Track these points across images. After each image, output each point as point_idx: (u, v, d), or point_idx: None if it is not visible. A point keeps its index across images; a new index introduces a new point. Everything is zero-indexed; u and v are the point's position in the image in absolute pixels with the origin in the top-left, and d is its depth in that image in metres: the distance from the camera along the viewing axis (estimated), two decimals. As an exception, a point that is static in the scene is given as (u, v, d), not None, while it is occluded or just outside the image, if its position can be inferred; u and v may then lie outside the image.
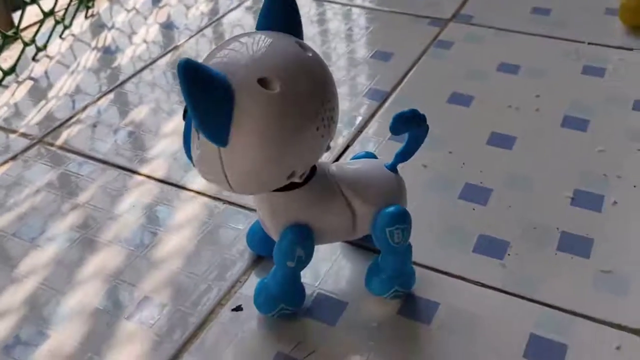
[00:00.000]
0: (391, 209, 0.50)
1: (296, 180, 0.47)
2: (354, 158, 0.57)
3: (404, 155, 0.52)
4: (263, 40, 0.44)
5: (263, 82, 0.42)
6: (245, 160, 0.43)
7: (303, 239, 0.49)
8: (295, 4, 0.47)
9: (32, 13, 0.98)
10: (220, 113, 0.41)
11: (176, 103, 0.82)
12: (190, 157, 0.47)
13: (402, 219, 0.50)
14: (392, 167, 0.52)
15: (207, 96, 0.40)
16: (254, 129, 0.42)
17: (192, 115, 0.40)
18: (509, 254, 0.59)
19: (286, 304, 0.53)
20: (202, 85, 0.40)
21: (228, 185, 0.45)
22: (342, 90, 0.83)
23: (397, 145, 0.71)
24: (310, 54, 0.45)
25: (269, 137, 0.42)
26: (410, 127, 0.50)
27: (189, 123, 0.46)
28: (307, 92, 0.43)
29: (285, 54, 0.43)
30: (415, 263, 0.58)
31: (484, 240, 0.60)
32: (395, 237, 0.50)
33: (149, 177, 0.70)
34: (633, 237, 0.60)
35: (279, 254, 0.50)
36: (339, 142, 0.74)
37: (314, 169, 0.50)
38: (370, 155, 0.57)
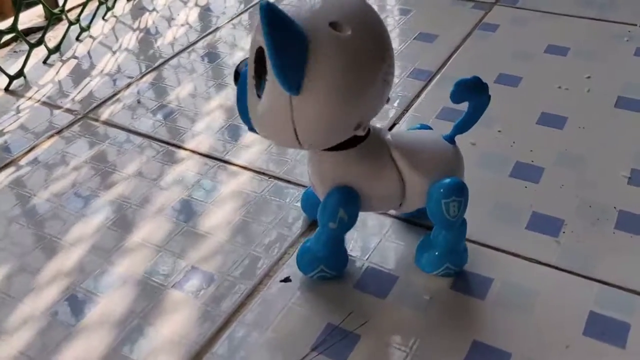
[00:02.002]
0: (447, 180, 0.48)
1: (360, 133, 0.46)
2: (410, 129, 0.56)
3: (464, 125, 0.50)
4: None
5: (335, 25, 0.42)
6: (318, 108, 0.42)
7: (347, 201, 0.48)
8: None
9: (75, -5, 0.99)
10: (297, 56, 0.40)
11: (214, 85, 0.82)
12: (246, 119, 0.46)
13: (459, 191, 0.48)
14: (450, 139, 0.51)
15: (286, 39, 0.40)
16: (329, 72, 0.41)
17: (270, 57, 0.40)
18: (564, 232, 0.57)
19: (326, 265, 0.52)
20: (281, 28, 0.40)
21: (295, 137, 0.44)
22: (386, 71, 0.81)
23: (444, 124, 0.70)
24: (369, 5, 0.45)
25: (343, 81, 0.42)
26: (472, 95, 0.48)
27: (244, 85, 0.45)
28: (375, 36, 0.43)
29: (352, 2, 0.44)
30: (467, 239, 0.57)
31: (537, 218, 0.59)
32: (451, 210, 0.48)
33: (193, 151, 0.70)
34: (695, 217, 0.58)
35: (322, 214, 0.49)
36: (384, 122, 0.73)
37: (367, 132, 0.49)
38: (425, 128, 0.55)
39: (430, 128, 0.56)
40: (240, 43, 0.91)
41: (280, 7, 0.42)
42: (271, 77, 0.42)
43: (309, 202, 0.58)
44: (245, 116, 0.46)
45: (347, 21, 0.42)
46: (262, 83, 0.43)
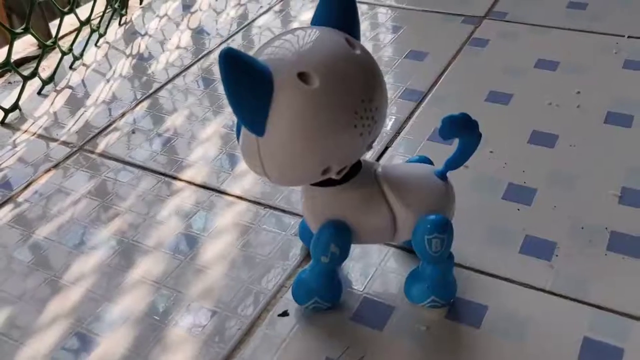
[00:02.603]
0: (432, 216, 0.49)
1: (332, 176, 0.47)
2: (409, 161, 0.57)
3: (455, 163, 0.51)
4: (311, 35, 0.44)
5: (303, 76, 0.42)
6: (280, 152, 0.44)
7: (338, 236, 0.49)
8: (353, 1, 0.47)
9: (67, 22, 0.99)
10: (258, 103, 0.42)
11: (210, 110, 0.83)
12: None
13: (442, 228, 0.49)
14: (442, 175, 0.52)
15: (246, 85, 0.41)
16: (290, 121, 0.42)
17: (229, 103, 0.41)
18: (556, 255, 0.58)
19: (320, 297, 0.53)
20: (241, 74, 0.41)
21: (265, 174, 0.46)
22: (377, 92, 0.82)
23: (437, 146, 0.71)
24: (358, 52, 0.45)
25: (303, 131, 0.43)
26: (461, 133, 0.49)
27: None
28: (345, 89, 0.43)
29: (329, 51, 0.43)
30: (460, 265, 0.57)
31: (530, 241, 0.59)
32: (433, 245, 0.49)
33: (189, 182, 0.71)
34: (686, 236, 0.59)
35: (314, 248, 0.50)
36: (378, 145, 0.73)
37: (358, 166, 0.50)
38: (423, 159, 0.56)
39: (429, 159, 0.56)
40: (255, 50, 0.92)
41: (258, 54, 0.44)
42: None
43: (307, 231, 0.58)
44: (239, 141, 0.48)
45: (317, 72, 0.42)
46: None
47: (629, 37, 0.88)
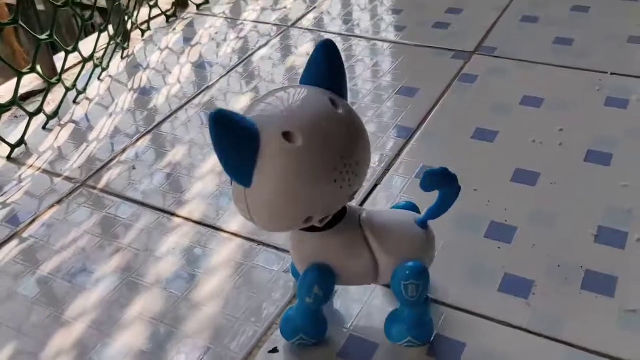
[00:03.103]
0: (410, 263, 0.52)
1: (315, 224, 0.50)
2: (395, 207, 0.60)
3: (435, 213, 0.54)
4: (297, 95, 0.48)
5: (287, 135, 0.46)
6: (265, 202, 0.47)
7: (322, 279, 0.53)
8: (341, 61, 0.50)
9: (72, 55, 1.03)
10: (245, 159, 0.46)
11: (208, 146, 0.86)
12: None
13: (418, 275, 0.52)
14: (422, 223, 0.55)
15: (234, 144, 0.45)
16: (274, 176, 0.46)
17: (218, 158, 0.45)
18: (534, 293, 0.61)
19: (305, 334, 0.56)
20: (230, 134, 0.45)
21: (252, 220, 0.49)
22: (369, 128, 0.85)
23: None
24: (341, 111, 0.48)
25: (286, 185, 0.46)
26: (440, 186, 0.52)
27: None
28: (326, 147, 0.46)
29: (313, 111, 0.47)
30: (442, 303, 0.60)
31: (509, 279, 0.62)
32: (409, 291, 0.52)
33: (186, 219, 0.74)
34: (657, 275, 0.61)
35: (299, 290, 0.54)
36: (367, 183, 0.76)
37: (343, 213, 0.53)
38: (409, 205, 0.59)
39: (415, 206, 0.59)
40: (234, 98, 0.95)
41: (248, 114, 0.47)
42: None
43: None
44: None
45: (301, 131, 0.46)
46: None
47: (611, 73, 0.91)
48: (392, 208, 0.60)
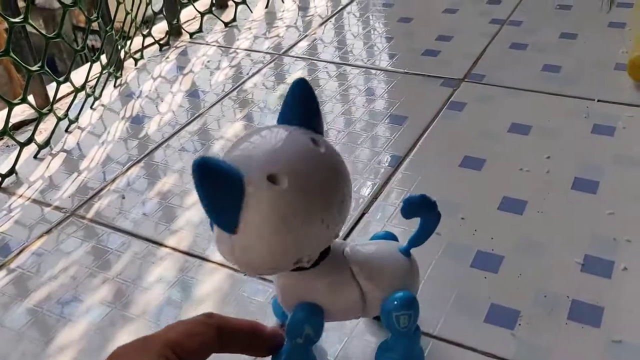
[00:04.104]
0: (399, 294, 0.52)
1: (304, 265, 0.49)
2: (374, 237, 0.60)
3: (417, 241, 0.54)
4: (278, 136, 0.47)
5: (272, 178, 0.45)
6: (252, 248, 0.46)
7: (312, 318, 0.52)
8: (315, 98, 0.50)
9: (64, 84, 1.04)
10: (230, 206, 0.45)
11: (200, 172, 0.87)
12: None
13: (409, 305, 0.52)
14: (406, 252, 0.55)
15: (218, 191, 0.44)
16: (260, 222, 0.45)
17: (202, 205, 0.44)
18: (519, 324, 0.61)
19: None
20: (213, 182, 0.44)
21: (238, 265, 0.48)
22: (358, 156, 0.86)
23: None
24: (323, 150, 0.48)
25: (273, 230, 0.45)
26: (421, 213, 0.52)
27: None
28: (313, 188, 0.46)
29: (296, 152, 0.46)
30: (428, 334, 0.60)
31: (495, 310, 0.62)
32: (401, 321, 0.52)
33: (174, 249, 0.74)
34: (643, 305, 0.61)
35: (288, 330, 0.52)
36: (352, 211, 0.77)
37: (327, 249, 0.53)
38: (389, 235, 0.59)
39: (394, 235, 0.60)
40: (227, 125, 0.96)
41: (228, 156, 0.46)
42: None
43: (279, 307, 0.61)
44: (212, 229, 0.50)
45: (285, 172, 0.45)
46: None
47: (598, 100, 0.92)
48: (371, 239, 0.60)
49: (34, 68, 0.88)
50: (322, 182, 0.47)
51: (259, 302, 0.66)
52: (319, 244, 0.49)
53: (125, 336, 0.63)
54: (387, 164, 0.84)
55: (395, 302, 0.52)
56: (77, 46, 0.98)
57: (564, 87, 0.96)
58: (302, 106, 0.49)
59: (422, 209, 0.52)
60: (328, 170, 0.48)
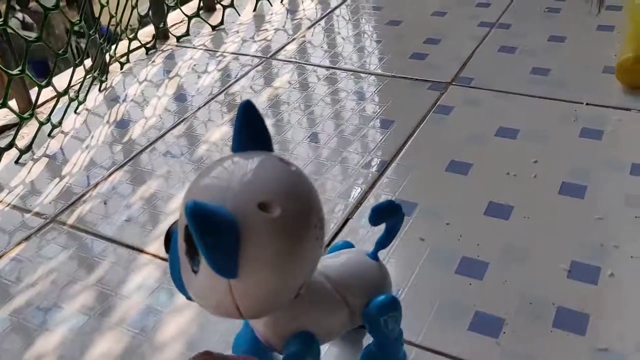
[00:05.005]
0: (381, 298, 0.51)
1: (302, 291, 0.46)
2: (333, 249, 0.58)
3: (384, 243, 0.54)
4: (250, 163, 0.45)
5: (263, 206, 0.42)
6: (258, 287, 0.43)
7: (311, 348, 0.49)
8: (261, 119, 0.48)
9: (48, 89, 1.03)
10: (229, 247, 0.41)
11: (179, 182, 0.85)
12: (182, 289, 0.46)
13: (394, 307, 0.52)
14: (374, 256, 0.54)
15: (216, 236, 0.40)
16: (262, 254, 0.42)
17: (203, 254, 0.40)
18: (504, 332, 0.59)
19: None
20: (208, 227, 0.40)
21: (238, 313, 0.44)
22: (346, 161, 0.85)
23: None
24: (294, 168, 0.46)
25: (277, 259, 0.42)
26: (388, 218, 0.52)
27: (175, 253, 0.45)
28: (303, 209, 0.44)
29: (276, 175, 0.44)
30: (411, 343, 0.59)
31: (480, 318, 0.61)
32: (390, 324, 0.52)
33: (154, 255, 0.73)
34: (629, 313, 0.60)
35: None
36: (338, 215, 0.76)
37: None
38: (347, 245, 0.59)
39: (351, 244, 0.59)
40: (213, 128, 0.95)
41: (207, 194, 0.42)
42: (204, 262, 0.42)
43: (242, 342, 0.57)
44: (180, 286, 0.46)
45: (276, 199, 0.42)
46: (197, 259, 0.43)
47: (587, 104, 0.91)
48: (329, 251, 0.58)
49: (15, 72, 0.87)
50: (308, 199, 0.45)
51: (239, 310, 0.64)
52: (315, 262, 0.46)
53: (103, 344, 0.62)
54: (373, 169, 0.83)
55: (380, 306, 0.51)
56: (72, 49, 0.96)
57: (553, 90, 0.96)
58: (252, 130, 0.47)
59: (389, 215, 0.52)
60: (306, 185, 0.46)
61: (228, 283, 0.42)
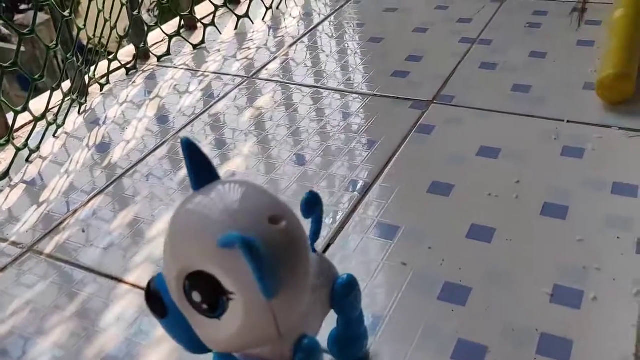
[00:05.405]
0: (342, 279, 0.53)
1: None
2: None
3: (315, 235, 0.54)
4: (235, 188, 0.46)
5: (273, 219, 0.43)
6: (293, 298, 0.44)
7: (316, 343, 0.49)
8: (202, 153, 0.47)
9: (26, 113, 1.01)
10: (269, 268, 0.41)
11: (160, 206, 0.84)
12: (196, 348, 0.46)
13: (355, 282, 0.54)
14: (314, 250, 0.54)
15: (262, 260, 0.40)
16: (286, 266, 0.43)
17: (263, 283, 0.40)
18: (487, 360, 0.59)
19: None
20: (258, 254, 0.40)
21: (277, 334, 0.44)
22: (330, 180, 0.84)
23: (380, 243, 0.73)
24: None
25: (298, 266, 0.44)
26: (315, 209, 0.52)
27: (178, 315, 0.45)
28: (295, 218, 0.46)
29: (264, 193, 0.46)
30: (393, 373, 0.58)
31: (462, 345, 0.61)
32: (358, 299, 0.55)
33: (134, 285, 0.71)
34: (612, 337, 0.60)
35: None
36: (319, 240, 0.75)
37: None
38: None
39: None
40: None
41: (217, 227, 0.42)
42: (243, 293, 0.41)
43: None
44: (195, 346, 0.46)
45: (279, 211, 0.44)
46: (221, 303, 0.42)
47: (568, 121, 0.91)
48: None
49: (-10, 98, 0.85)
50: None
51: (220, 342, 0.63)
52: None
53: (79, 382, 0.61)
54: (355, 192, 0.82)
55: (345, 285, 0.53)
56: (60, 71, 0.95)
57: (534, 107, 0.96)
58: (203, 166, 0.47)
59: (316, 205, 0.52)
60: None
61: (270, 305, 0.42)
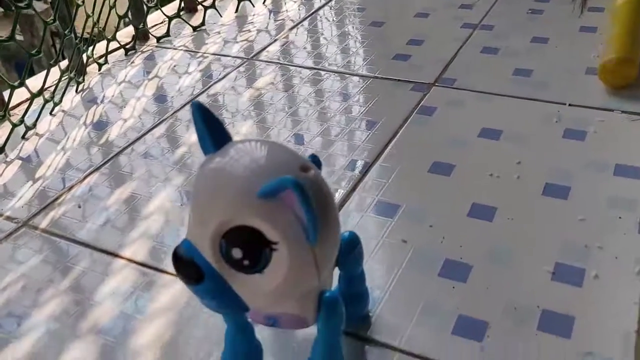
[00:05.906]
0: (344, 237, 0.53)
1: None
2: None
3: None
4: (259, 144, 0.46)
5: (304, 168, 0.45)
6: (330, 243, 0.46)
7: (338, 296, 0.49)
8: (214, 118, 0.47)
9: (23, 89, 1.00)
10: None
11: (156, 183, 0.83)
12: (235, 304, 0.45)
13: (357, 238, 0.55)
14: None
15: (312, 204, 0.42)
16: (321, 211, 0.43)
17: (315, 228, 0.41)
18: (488, 336, 0.58)
19: None
20: (309, 197, 0.41)
21: (318, 280, 0.45)
22: (328, 161, 0.83)
23: (379, 220, 0.72)
24: None
25: (331, 212, 0.46)
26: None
27: (215, 278, 0.43)
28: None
29: (283, 147, 0.47)
30: (392, 347, 0.58)
31: (463, 321, 0.60)
32: (361, 255, 0.56)
33: (130, 260, 0.71)
34: (614, 314, 0.59)
35: (336, 325, 0.49)
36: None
37: None
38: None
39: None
40: (194, 130, 0.93)
41: (260, 176, 0.43)
42: (287, 241, 0.42)
43: None
44: (234, 308, 0.45)
45: (306, 162, 0.45)
46: (264, 256, 0.42)
47: (569, 104, 0.91)
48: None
49: (-14, 72, 0.84)
50: None
51: (215, 317, 0.62)
52: None
53: (76, 352, 0.60)
54: (355, 171, 0.82)
55: (350, 242, 0.54)
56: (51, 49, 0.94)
57: (535, 91, 0.95)
58: (217, 128, 0.47)
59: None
60: None
61: (313, 251, 0.43)
